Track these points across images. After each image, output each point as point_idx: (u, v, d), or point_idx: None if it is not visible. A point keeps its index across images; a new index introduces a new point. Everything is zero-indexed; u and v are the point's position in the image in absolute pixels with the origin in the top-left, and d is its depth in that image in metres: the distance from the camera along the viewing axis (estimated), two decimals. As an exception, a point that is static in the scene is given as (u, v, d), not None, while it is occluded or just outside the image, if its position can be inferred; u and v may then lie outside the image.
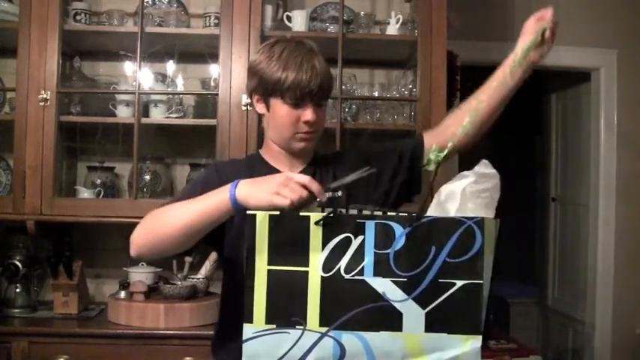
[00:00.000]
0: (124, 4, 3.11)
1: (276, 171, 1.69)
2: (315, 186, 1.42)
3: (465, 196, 1.40)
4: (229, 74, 2.85)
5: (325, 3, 3.22)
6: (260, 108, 1.74)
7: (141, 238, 1.62)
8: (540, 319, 5.10)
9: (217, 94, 2.87)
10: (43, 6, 2.81)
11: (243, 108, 2.84)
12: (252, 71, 1.71)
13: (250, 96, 1.77)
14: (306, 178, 1.43)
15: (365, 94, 3.21)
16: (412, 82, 3.09)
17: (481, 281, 1.33)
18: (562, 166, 4.80)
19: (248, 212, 1.39)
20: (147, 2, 3.02)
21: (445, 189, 1.43)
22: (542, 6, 3.87)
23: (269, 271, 1.37)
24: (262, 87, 1.69)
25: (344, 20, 2.99)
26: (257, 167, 1.76)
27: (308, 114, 1.66)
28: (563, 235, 4.76)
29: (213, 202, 1.50)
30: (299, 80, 1.62)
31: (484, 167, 1.44)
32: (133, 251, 1.63)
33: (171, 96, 3.06)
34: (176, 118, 3.03)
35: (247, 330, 1.36)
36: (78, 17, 2.99)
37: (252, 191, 1.44)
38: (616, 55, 3.93)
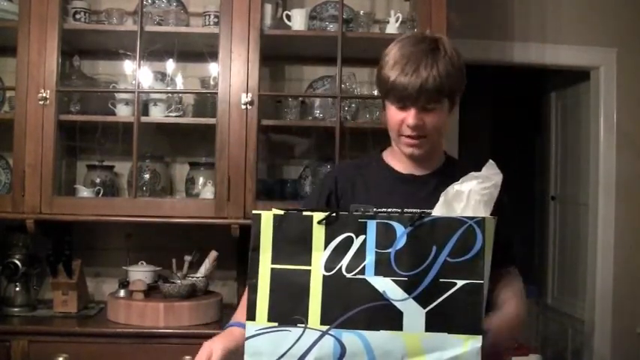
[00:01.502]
0: (124, 3, 3.11)
1: (394, 172, 1.76)
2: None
3: (470, 195, 1.43)
4: (229, 73, 2.85)
5: (325, 2, 3.22)
6: (384, 105, 1.75)
7: None
8: (540, 318, 5.10)
9: (217, 93, 2.87)
10: (43, 5, 2.81)
11: (243, 107, 2.84)
12: (380, 64, 1.71)
13: None
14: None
15: (364, 92, 3.21)
16: (412, 81, 3.08)
17: (482, 281, 1.33)
18: (561, 164, 4.80)
19: (253, 212, 1.40)
20: (146, 1, 3.02)
21: (452, 189, 1.46)
22: (541, 4, 3.85)
23: (272, 269, 1.38)
24: (378, 86, 1.73)
25: (343, 19, 2.99)
26: (372, 167, 1.80)
27: (408, 118, 1.63)
28: (562, 234, 4.76)
29: None
30: (400, 82, 1.59)
31: (490, 168, 1.48)
32: None
33: (170, 95, 3.06)
34: (175, 117, 3.03)
35: (250, 328, 1.37)
36: (77, 16, 2.99)
37: None
38: (616, 53, 3.92)
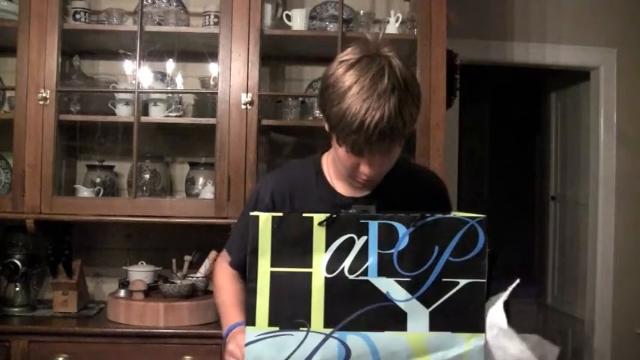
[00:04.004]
0: (124, 3, 3.11)
1: (335, 194, 1.63)
2: None
3: None
4: (229, 73, 2.85)
5: (325, 2, 3.21)
6: (326, 126, 1.53)
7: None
8: (540, 318, 5.10)
9: (217, 93, 2.87)
10: (43, 5, 2.81)
11: (243, 107, 2.83)
12: (322, 85, 1.50)
13: None
14: None
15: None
16: (412, 80, 3.08)
17: (484, 280, 1.33)
18: (561, 164, 4.80)
19: (251, 214, 1.39)
20: (146, 1, 3.01)
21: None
22: (541, 4, 3.85)
23: (272, 272, 1.36)
24: (325, 115, 1.50)
25: (343, 19, 2.98)
26: (311, 186, 1.65)
27: (364, 168, 1.48)
28: (562, 234, 4.76)
29: (222, 323, 1.66)
30: (357, 130, 1.38)
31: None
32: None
33: (170, 95, 3.06)
34: (175, 116, 3.03)
35: (250, 333, 1.35)
36: (77, 16, 2.98)
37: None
38: (616, 53, 3.93)
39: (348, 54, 1.47)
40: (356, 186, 1.58)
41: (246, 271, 1.63)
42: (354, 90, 1.39)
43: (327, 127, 1.52)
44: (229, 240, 1.82)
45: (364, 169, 1.48)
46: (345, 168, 1.53)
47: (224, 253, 1.83)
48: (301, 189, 1.65)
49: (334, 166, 1.64)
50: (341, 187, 1.64)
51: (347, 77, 1.42)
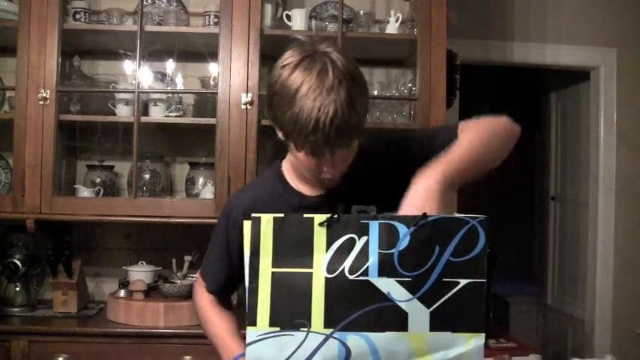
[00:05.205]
0: (124, 3, 3.11)
1: (304, 197, 1.59)
2: None
3: None
4: (229, 73, 2.85)
5: (325, 2, 3.22)
6: (280, 134, 1.49)
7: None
8: (540, 318, 5.10)
9: (217, 93, 2.87)
10: (43, 5, 2.81)
11: (243, 107, 2.84)
12: (269, 94, 1.47)
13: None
14: None
15: (364, 93, 3.20)
16: (411, 80, 3.08)
17: (484, 280, 1.33)
18: (561, 164, 4.80)
19: (253, 215, 1.38)
20: (146, 1, 3.01)
21: None
22: (541, 4, 3.84)
23: (273, 273, 1.36)
24: (277, 124, 1.46)
25: (343, 19, 2.98)
26: (279, 197, 1.62)
27: (328, 169, 1.46)
28: (562, 234, 4.76)
29: (222, 353, 1.70)
30: (314, 131, 1.35)
31: None
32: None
33: (170, 95, 3.06)
34: (175, 116, 3.03)
35: (250, 333, 1.35)
36: (77, 16, 2.99)
37: None
38: (616, 53, 3.93)
39: (288, 57, 1.44)
40: (321, 185, 1.57)
41: (224, 296, 1.77)
42: (302, 91, 1.37)
43: (281, 135, 1.48)
44: (203, 263, 1.79)
45: (328, 170, 1.47)
46: (309, 172, 1.51)
47: (199, 279, 1.79)
48: (271, 202, 1.61)
49: (295, 171, 1.62)
50: (305, 189, 1.61)
51: (292, 80, 1.39)
